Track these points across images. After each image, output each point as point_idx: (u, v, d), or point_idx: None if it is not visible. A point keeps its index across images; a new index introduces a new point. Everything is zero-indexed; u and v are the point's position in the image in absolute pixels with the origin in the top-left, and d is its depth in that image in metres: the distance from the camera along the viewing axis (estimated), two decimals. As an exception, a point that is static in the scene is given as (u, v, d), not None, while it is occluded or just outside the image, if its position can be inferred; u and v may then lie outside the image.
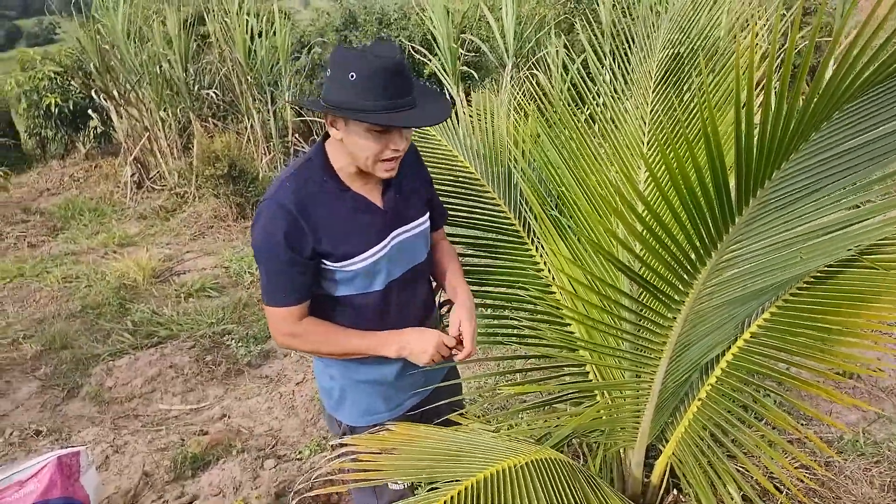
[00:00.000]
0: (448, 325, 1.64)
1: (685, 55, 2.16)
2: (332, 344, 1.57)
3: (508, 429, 1.81)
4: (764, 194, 1.23)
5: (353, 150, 1.44)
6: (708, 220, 1.22)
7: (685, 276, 1.33)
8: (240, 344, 3.83)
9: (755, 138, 1.11)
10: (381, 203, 1.56)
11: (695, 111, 1.95)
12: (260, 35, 6.81)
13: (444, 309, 1.86)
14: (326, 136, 1.52)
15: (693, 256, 1.29)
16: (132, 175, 7.05)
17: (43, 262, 5.33)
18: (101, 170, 7.82)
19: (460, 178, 2.06)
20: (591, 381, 1.89)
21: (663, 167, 1.94)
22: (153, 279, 4.86)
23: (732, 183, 1.19)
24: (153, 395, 3.42)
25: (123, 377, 3.55)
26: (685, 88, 2.06)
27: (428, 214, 1.68)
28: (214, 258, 5.31)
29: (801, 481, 1.99)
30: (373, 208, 1.54)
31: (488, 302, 1.96)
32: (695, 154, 1.18)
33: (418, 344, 1.57)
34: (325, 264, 1.51)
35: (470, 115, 2.30)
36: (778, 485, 1.80)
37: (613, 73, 2.21)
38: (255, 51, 6.84)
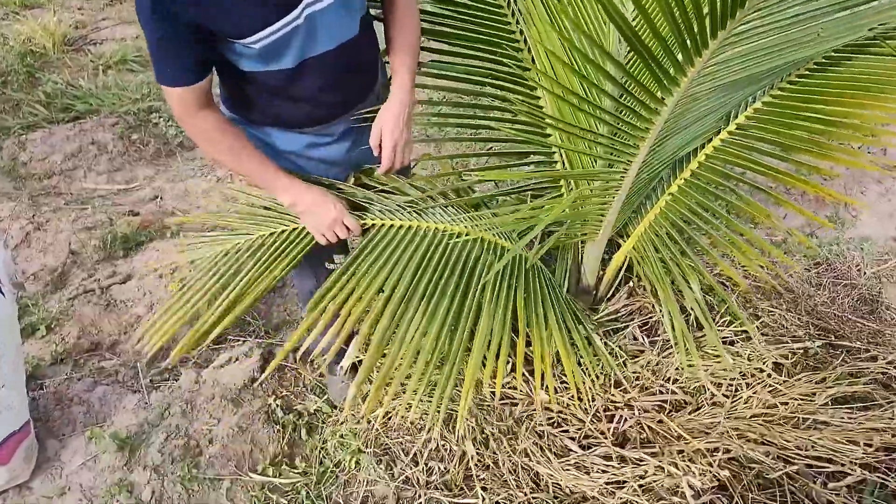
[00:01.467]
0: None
1: None
2: (233, 156, 1.37)
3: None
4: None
5: None
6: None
7: (691, 44, 1.13)
8: (170, 123, 3.51)
9: None
10: None
11: None
12: None
13: None
14: None
15: (707, 18, 1.08)
16: (28, -79, 5.97)
17: (-70, 21, 4.62)
18: (-10, -87, 6.60)
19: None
20: (559, 169, 1.75)
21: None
22: (65, 47, 4.30)
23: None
24: (75, 173, 3.15)
25: (39, 152, 3.23)
26: None
27: None
28: (136, 28, 4.70)
29: (761, 271, 1.99)
30: None
31: (453, 73, 1.73)
32: None
33: (313, 217, 1.45)
34: (214, 38, 1.24)
35: None
36: (737, 277, 1.80)
37: None
38: None
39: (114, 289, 2.43)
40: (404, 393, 1.63)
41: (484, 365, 1.40)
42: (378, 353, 1.38)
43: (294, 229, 1.58)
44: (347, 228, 1.49)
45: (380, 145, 1.47)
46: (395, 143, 1.45)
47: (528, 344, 1.53)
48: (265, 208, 1.64)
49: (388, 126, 1.43)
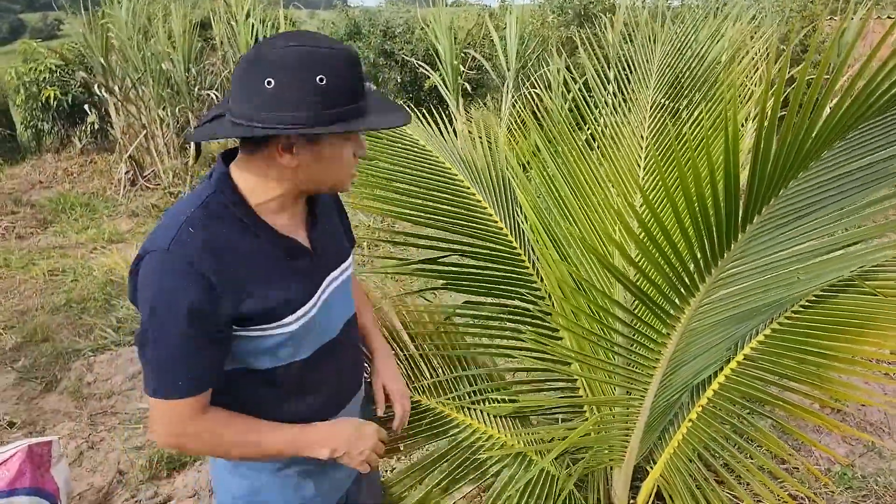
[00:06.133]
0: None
1: (684, 78, 2.17)
2: (239, 444, 1.16)
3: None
4: (770, 210, 1.21)
5: (319, 174, 1.11)
6: (714, 232, 1.19)
7: (683, 290, 1.30)
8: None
9: (772, 153, 1.09)
10: (308, 244, 1.22)
11: (695, 128, 1.95)
12: (264, 40, 6.82)
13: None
14: (226, 162, 1.13)
15: (693, 269, 1.26)
16: (126, 172, 7.01)
17: (30, 255, 5.27)
18: (96, 165, 7.77)
19: (451, 186, 2.03)
20: (580, 396, 1.85)
21: (669, 173, 1.93)
22: (141, 277, 4.79)
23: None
24: (133, 393, 3.35)
25: (104, 373, 3.48)
26: (683, 108, 2.07)
27: (353, 252, 1.40)
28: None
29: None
30: (303, 251, 1.19)
31: (481, 312, 1.93)
32: (711, 158, 1.16)
33: (356, 451, 1.26)
34: (242, 331, 1.12)
35: (470, 131, 2.31)
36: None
37: (614, 94, 2.23)
38: (258, 55, 6.84)
39: (153, 511, 2.48)
40: None
41: None
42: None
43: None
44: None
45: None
46: (403, 395, 1.47)
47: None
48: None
49: (392, 383, 1.46)
